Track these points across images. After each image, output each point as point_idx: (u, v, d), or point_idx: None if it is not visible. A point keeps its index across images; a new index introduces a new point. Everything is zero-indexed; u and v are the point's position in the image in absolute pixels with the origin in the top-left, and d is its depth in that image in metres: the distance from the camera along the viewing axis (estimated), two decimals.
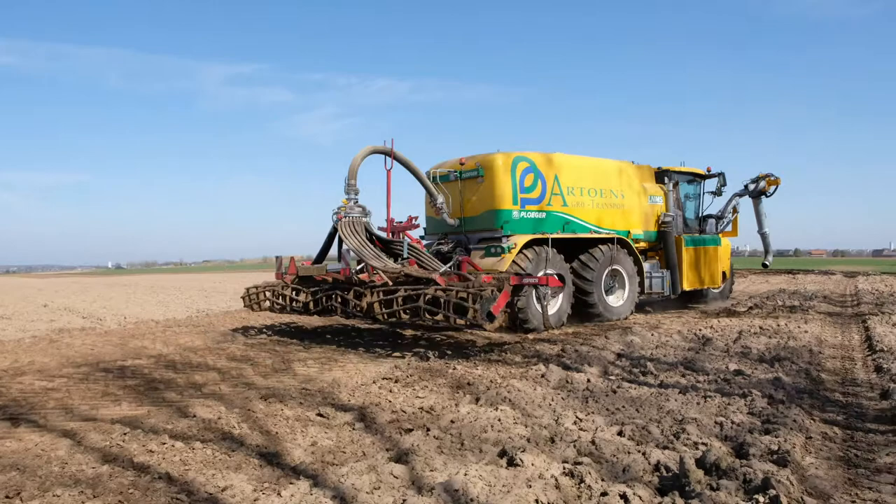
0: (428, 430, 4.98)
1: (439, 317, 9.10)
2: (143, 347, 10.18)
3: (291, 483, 3.93)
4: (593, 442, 4.53)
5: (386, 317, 9.56)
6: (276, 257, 11.87)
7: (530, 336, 10.77)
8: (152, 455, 4.61)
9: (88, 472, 4.29)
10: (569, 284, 12.03)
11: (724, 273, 16.47)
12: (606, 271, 12.81)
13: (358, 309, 9.83)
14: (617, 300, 13.21)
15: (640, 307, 14.01)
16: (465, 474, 3.81)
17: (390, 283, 9.56)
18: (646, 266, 13.85)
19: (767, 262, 18.39)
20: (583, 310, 12.56)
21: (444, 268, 9.76)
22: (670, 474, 3.98)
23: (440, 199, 11.98)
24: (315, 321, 13.49)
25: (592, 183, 13.27)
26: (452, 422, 5.23)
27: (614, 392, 6.28)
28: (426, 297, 8.97)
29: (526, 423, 5.16)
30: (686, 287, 14.74)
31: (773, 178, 16.51)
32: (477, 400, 6.05)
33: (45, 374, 7.99)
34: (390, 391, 6.58)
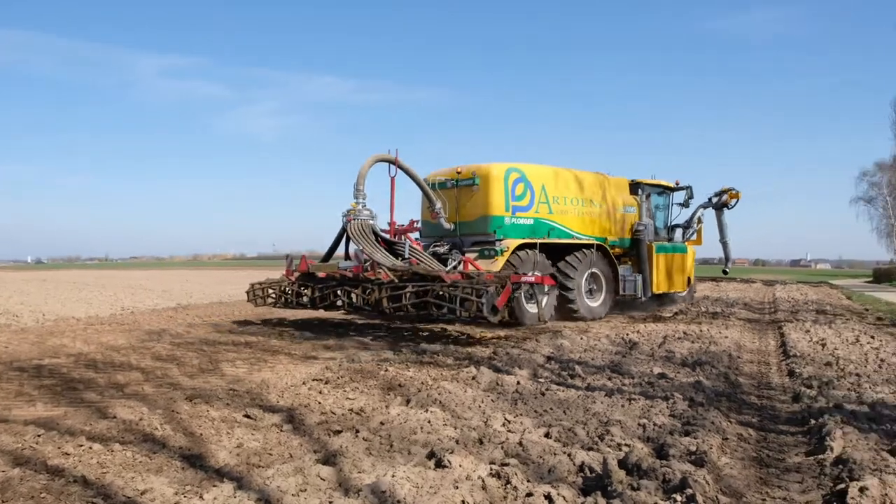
0: (357, 431, 4.95)
1: (444, 310, 9.92)
2: (62, 346, 9.77)
3: (215, 486, 3.85)
4: (521, 443, 4.60)
5: (393, 311, 10.46)
6: (286, 256, 12.77)
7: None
8: (68, 458, 4.42)
9: None
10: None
11: (688, 278, 17.41)
12: (587, 274, 13.78)
13: (366, 304, 10.68)
14: (595, 301, 14.16)
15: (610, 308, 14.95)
16: (393, 476, 3.81)
17: (397, 281, 10.39)
18: (621, 270, 14.77)
19: (727, 270, 19.81)
20: (564, 309, 13.35)
21: (449, 266, 10.64)
22: (594, 475, 4.08)
23: (438, 204, 12.70)
24: (249, 315, 13.26)
25: (574, 193, 14.28)
26: (382, 423, 5.22)
27: (543, 394, 6.40)
28: (434, 293, 9.80)
29: (455, 425, 5.19)
30: (656, 290, 15.67)
31: (734, 192, 17.78)
32: (407, 401, 6.05)
33: None
34: (320, 392, 6.52)
